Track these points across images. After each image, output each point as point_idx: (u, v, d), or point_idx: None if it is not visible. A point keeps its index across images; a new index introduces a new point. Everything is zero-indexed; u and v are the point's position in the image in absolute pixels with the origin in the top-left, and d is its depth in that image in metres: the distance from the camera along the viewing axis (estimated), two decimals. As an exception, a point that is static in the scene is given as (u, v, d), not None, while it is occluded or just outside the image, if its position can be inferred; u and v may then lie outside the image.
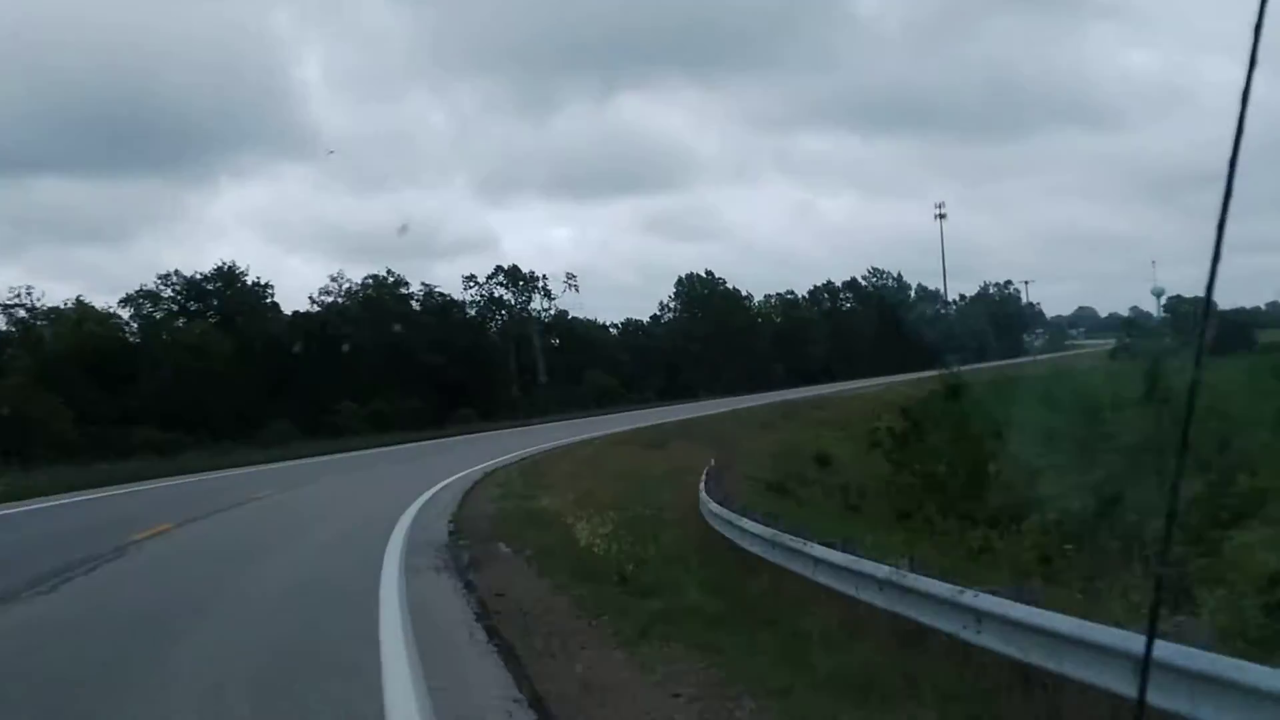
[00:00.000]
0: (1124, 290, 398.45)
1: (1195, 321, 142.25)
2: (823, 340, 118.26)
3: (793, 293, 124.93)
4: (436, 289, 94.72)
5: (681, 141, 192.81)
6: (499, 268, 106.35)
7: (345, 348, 75.24)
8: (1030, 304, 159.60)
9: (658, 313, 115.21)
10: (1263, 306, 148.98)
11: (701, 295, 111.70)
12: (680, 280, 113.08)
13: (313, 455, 51.74)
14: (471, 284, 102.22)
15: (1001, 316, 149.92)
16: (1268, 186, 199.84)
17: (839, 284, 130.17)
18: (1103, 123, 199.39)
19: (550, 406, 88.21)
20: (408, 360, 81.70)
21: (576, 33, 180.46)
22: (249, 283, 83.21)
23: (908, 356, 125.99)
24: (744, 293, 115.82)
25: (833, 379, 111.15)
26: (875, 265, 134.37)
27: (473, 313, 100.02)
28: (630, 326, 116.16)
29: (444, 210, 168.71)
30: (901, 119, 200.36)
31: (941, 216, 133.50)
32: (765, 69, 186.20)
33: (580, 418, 78.64)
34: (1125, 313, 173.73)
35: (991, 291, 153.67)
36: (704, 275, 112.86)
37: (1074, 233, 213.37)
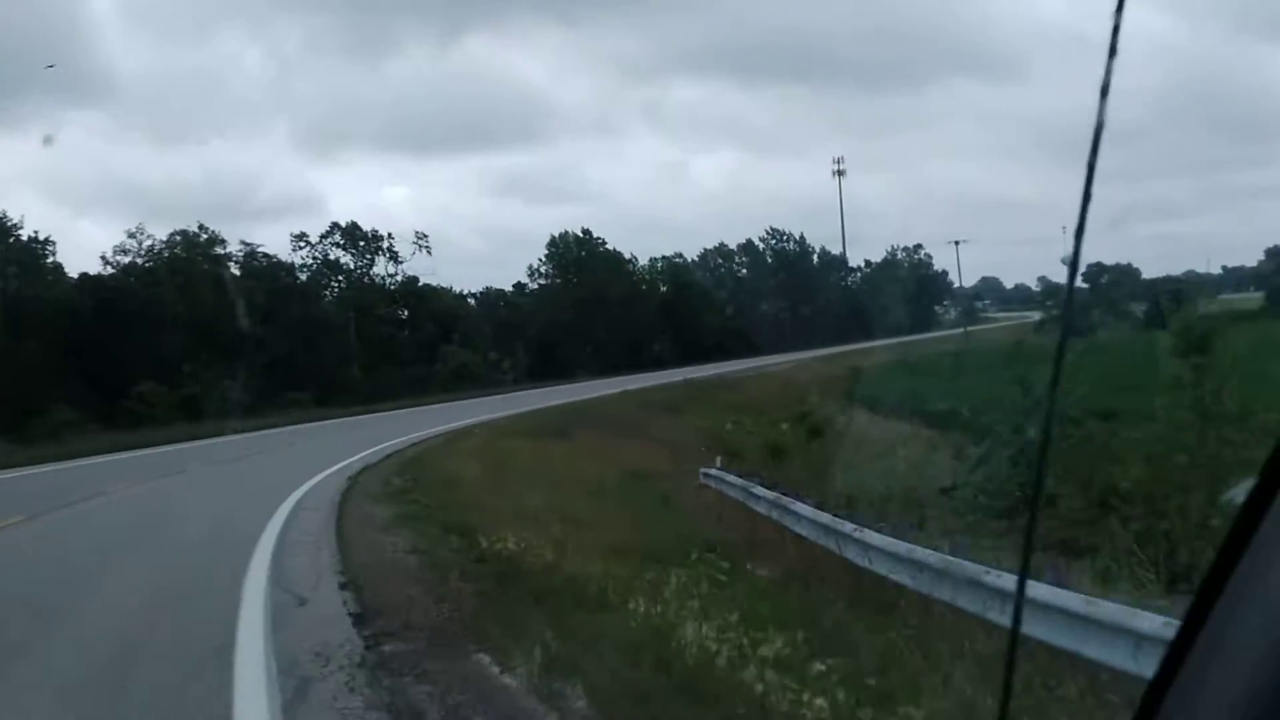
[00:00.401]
0: (1030, 258, 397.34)
1: (1117, 290, 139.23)
2: (717, 311, 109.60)
3: (681, 256, 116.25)
4: (260, 249, 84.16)
5: (539, 90, 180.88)
6: (335, 225, 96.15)
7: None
8: (942, 272, 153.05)
9: (525, 280, 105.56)
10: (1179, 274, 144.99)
11: (577, 258, 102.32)
12: (553, 241, 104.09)
13: (98, 453, 41.74)
14: (302, 244, 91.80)
15: (912, 285, 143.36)
16: (1181, 149, 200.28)
17: (733, 246, 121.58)
18: (1005, 74, 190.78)
19: (400, 389, 78.27)
20: (225, 333, 71.27)
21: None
22: (23, 238, 71.24)
23: (814, 329, 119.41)
24: (627, 255, 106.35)
25: (728, 355, 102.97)
26: (774, 226, 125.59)
27: (304, 278, 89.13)
28: (491, 297, 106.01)
29: (261, 166, 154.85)
30: (786, 66, 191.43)
31: (840, 173, 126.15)
32: (633, 5, 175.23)
33: (440, 402, 69.82)
34: (1033, 284, 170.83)
35: (900, 257, 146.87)
36: (580, 235, 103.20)
37: (974, 195, 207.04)
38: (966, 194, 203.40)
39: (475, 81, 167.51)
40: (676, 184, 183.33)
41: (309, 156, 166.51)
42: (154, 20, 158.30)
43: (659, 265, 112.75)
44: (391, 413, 62.87)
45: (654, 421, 49.73)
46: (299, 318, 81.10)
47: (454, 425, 45.38)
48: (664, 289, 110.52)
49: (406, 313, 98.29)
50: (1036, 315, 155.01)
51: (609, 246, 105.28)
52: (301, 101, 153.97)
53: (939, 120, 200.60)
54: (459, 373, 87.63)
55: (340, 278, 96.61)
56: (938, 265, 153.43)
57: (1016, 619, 2.91)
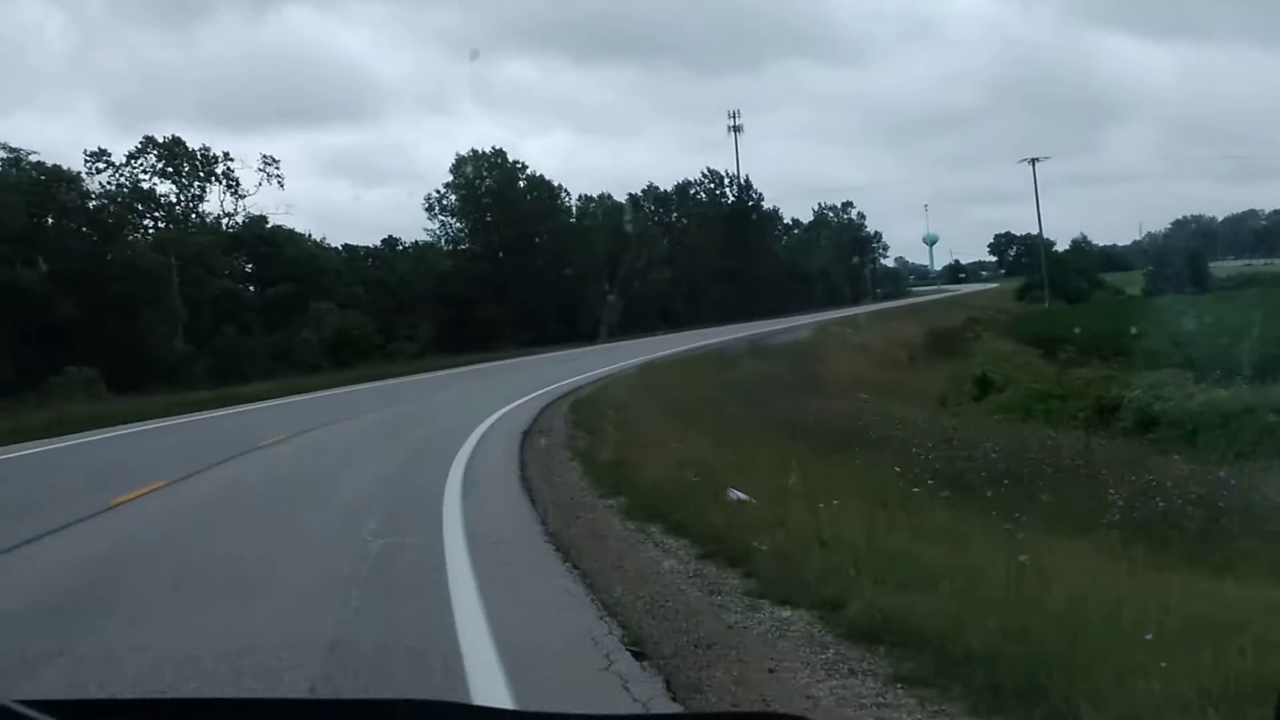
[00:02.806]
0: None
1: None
2: (661, 268, 79.32)
3: (609, 196, 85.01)
4: (30, 155, 51.52)
5: (364, 65, 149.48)
6: (149, 140, 63.85)
7: None
8: (876, 233, 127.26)
9: (430, 223, 73.07)
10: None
11: (494, 189, 70.61)
12: (460, 162, 71.67)
13: None
14: (102, 164, 59.43)
15: (850, 249, 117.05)
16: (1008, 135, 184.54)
17: (669, 190, 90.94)
18: (842, 58, 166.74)
19: (254, 364, 47.76)
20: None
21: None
22: None
23: (759, 294, 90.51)
24: (556, 183, 75.08)
25: (675, 324, 73.72)
26: (710, 167, 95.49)
27: (98, 205, 56.67)
28: (361, 254, 73.66)
29: (64, 142, 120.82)
30: (628, 45, 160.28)
31: (737, 129, 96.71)
32: None
33: (341, 384, 39.15)
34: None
35: (830, 217, 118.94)
36: (493, 155, 71.44)
37: (818, 178, 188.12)
38: (809, 176, 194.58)
39: (295, 54, 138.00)
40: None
41: (116, 132, 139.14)
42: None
43: (592, 207, 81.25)
44: (240, 410, 33.04)
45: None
46: (89, 256, 49.20)
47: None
48: (599, 236, 78.85)
49: (250, 265, 66.90)
50: (962, 288, 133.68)
51: (533, 172, 73.80)
52: (109, 74, 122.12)
53: (778, 102, 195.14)
54: (336, 342, 56.60)
55: (159, 213, 64.56)
56: (870, 227, 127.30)
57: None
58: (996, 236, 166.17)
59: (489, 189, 70.79)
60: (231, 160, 66.19)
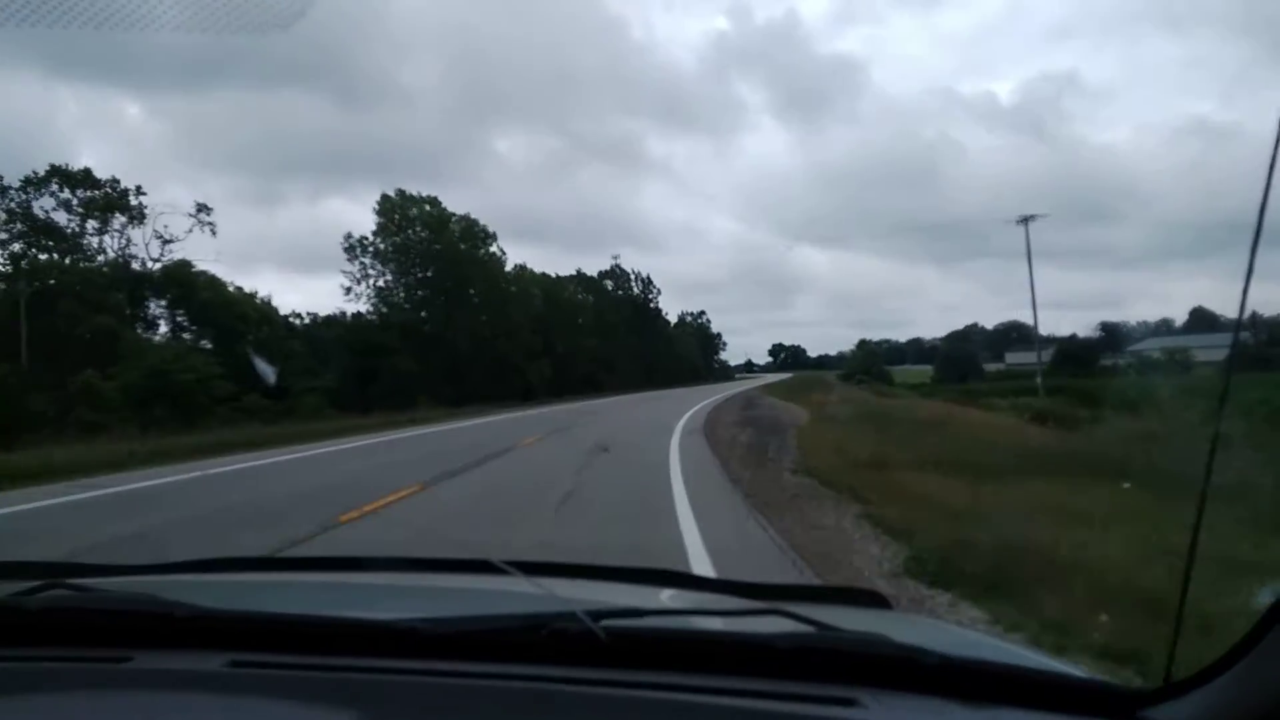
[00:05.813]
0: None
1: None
2: (588, 337, 46.79)
3: (534, 270, 51.19)
4: None
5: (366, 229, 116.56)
6: (54, 169, 29.70)
7: None
8: (717, 333, 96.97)
9: (349, 265, 37.54)
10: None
11: (425, 238, 36.62)
12: (385, 202, 37.10)
13: None
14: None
15: (705, 341, 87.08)
16: (744, 297, 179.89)
17: (593, 274, 58.65)
18: (650, 249, 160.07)
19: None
20: None
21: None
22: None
23: (657, 367, 58.89)
24: (490, 230, 40.32)
25: (597, 388, 41.80)
26: (619, 265, 63.22)
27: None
28: (307, 317, 39.06)
29: None
30: (523, 233, 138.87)
31: (616, 258, 69.83)
32: (431, 182, 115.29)
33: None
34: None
35: (688, 320, 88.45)
36: (424, 199, 37.48)
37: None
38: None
39: (323, 222, 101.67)
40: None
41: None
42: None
43: (529, 273, 47.91)
44: None
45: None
46: None
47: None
48: (538, 302, 44.96)
49: (168, 307, 32.85)
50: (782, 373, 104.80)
51: (468, 215, 39.30)
52: (221, 235, 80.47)
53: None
54: (147, 391, 22.57)
55: (52, 243, 30.65)
56: (714, 329, 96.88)
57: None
58: (773, 345, 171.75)
59: (418, 233, 36.63)
60: (143, 193, 32.92)
